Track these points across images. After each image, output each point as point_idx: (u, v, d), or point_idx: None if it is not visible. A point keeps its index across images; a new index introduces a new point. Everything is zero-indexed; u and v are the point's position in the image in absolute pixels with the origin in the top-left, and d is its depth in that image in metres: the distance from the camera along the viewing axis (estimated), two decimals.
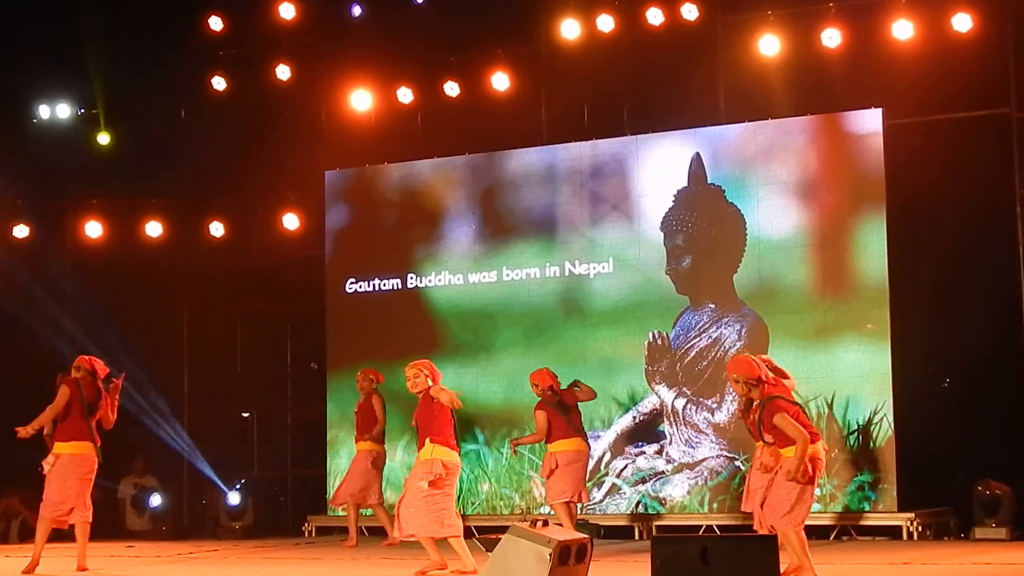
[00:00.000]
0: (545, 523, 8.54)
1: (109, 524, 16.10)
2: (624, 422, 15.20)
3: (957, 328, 14.09)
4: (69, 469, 11.87)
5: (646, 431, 15.10)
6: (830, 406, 14.27)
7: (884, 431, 14.06)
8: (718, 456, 14.64)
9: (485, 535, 9.43)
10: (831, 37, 14.54)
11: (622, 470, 15.10)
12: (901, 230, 14.31)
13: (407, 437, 15.15)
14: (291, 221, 17.32)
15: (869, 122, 14.46)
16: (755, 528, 9.96)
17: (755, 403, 9.97)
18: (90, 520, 11.96)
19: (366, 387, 14.54)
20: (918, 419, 14.16)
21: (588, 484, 14.10)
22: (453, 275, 16.28)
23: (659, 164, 15.38)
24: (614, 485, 15.12)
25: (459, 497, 15.68)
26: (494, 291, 16.08)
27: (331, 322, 16.80)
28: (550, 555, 8.23)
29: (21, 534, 16.31)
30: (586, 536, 8.85)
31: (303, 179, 17.13)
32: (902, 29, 14.27)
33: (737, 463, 14.42)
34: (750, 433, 10.12)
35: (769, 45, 14.81)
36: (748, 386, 9.93)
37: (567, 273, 15.72)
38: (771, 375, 10.04)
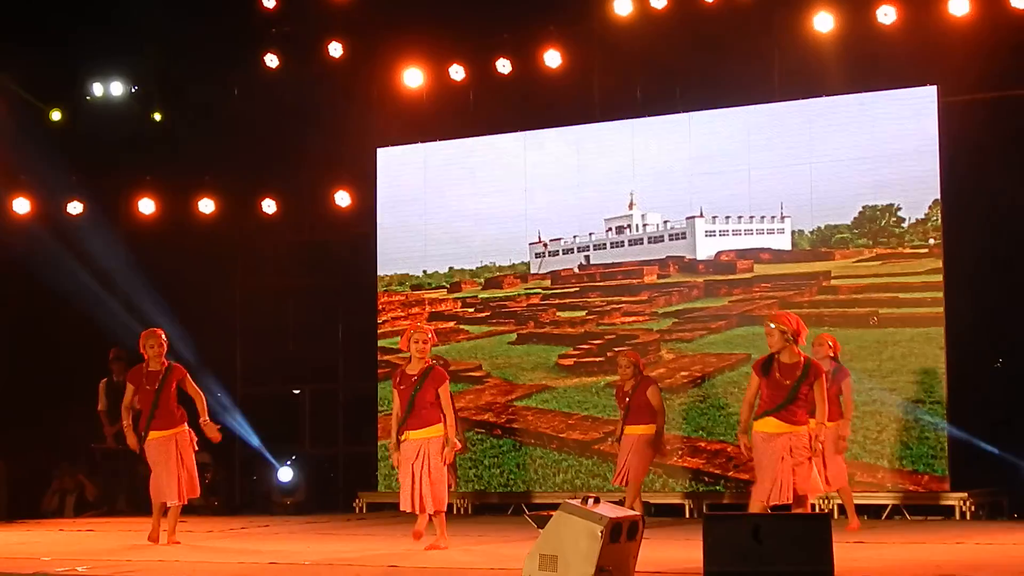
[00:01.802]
0: (597, 500, 8.53)
1: None
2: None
3: (1011, 307, 13.98)
4: None
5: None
6: (883, 385, 14.23)
7: (937, 411, 13.99)
8: None
9: (536, 512, 9.44)
10: (886, 14, 14.41)
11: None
12: (956, 208, 14.21)
13: None
14: (343, 198, 17.35)
15: (924, 99, 14.36)
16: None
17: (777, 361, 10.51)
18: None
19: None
20: (971, 399, 14.08)
21: None
22: None
23: (712, 141, 15.35)
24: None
25: None
26: None
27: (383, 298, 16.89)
28: (601, 532, 8.22)
29: (77, 508, 16.46)
30: (637, 514, 8.83)
31: (355, 156, 17.16)
32: (958, 5, 14.12)
33: None
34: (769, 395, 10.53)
35: (824, 22, 14.69)
36: (784, 340, 10.44)
37: None
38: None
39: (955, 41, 14.18)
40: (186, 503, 12.35)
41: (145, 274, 17.70)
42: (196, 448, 12.39)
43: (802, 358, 10.60)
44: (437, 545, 11.15)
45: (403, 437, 11.15)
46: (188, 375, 12.39)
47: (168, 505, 12.19)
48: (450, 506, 15.12)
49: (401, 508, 11.25)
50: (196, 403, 12.29)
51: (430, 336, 11.29)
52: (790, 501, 10.49)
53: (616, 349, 15.51)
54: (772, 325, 10.63)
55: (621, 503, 9.16)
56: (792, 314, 10.98)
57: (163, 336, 12.43)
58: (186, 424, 12.28)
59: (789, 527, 8.31)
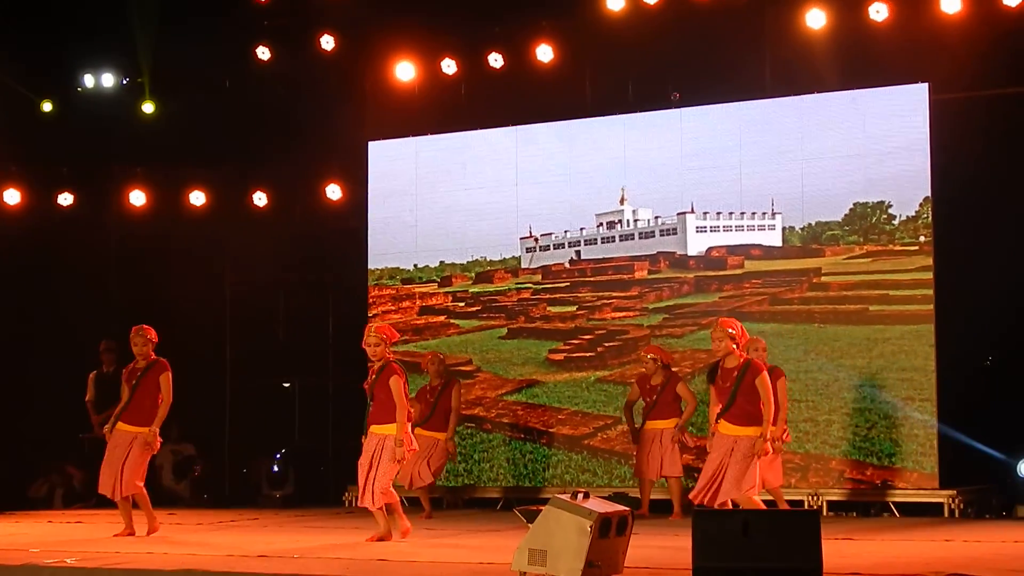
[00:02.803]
0: (586, 495, 8.53)
1: (149, 490, 16.26)
2: None
3: (1001, 305, 13.98)
4: None
5: None
6: (873, 382, 14.25)
7: (926, 408, 14.00)
8: None
9: (525, 506, 9.44)
10: (878, 11, 14.42)
11: None
12: (947, 205, 14.23)
13: None
14: (334, 191, 17.34)
15: (915, 97, 14.37)
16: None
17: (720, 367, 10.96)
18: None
19: (439, 371, 14.58)
20: (960, 396, 14.09)
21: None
22: None
23: (703, 137, 15.36)
24: None
25: None
26: None
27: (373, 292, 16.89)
28: (591, 527, 8.23)
29: (66, 500, 16.43)
30: (627, 509, 8.83)
31: (346, 150, 17.15)
32: (950, 3, 14.10)
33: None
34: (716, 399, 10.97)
35: (815, 18, 14.68)
36: (732, 345, 10.85)
37: None
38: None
39: (947, 39, 14.19)
40: (115, 499, 12.28)
41: (135, 266, 17.69)
42: (155, 451, 12.33)
43: (742, 360, 10.94)
44: (381, 536, 11.32)
45: (370, 429, 11.41)
46: (168, 373, 12.31)
47: (111, 498, 12.27)
48: (439, 500, 15.20)
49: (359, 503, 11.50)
50: (160, 406, 12.24)
51: (376, 337, 11.37)
52: (716, 505, 10.75)
53: (606, 344, 15.56)
54: (719, 331, 10.94)
55: (610, 499, 9.15)
56: (735, 320, 11.22)
57: (149, 333, 12.41)
58: (149, 428, 12.17)
59: (778, 523, 8.32)
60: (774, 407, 10.95)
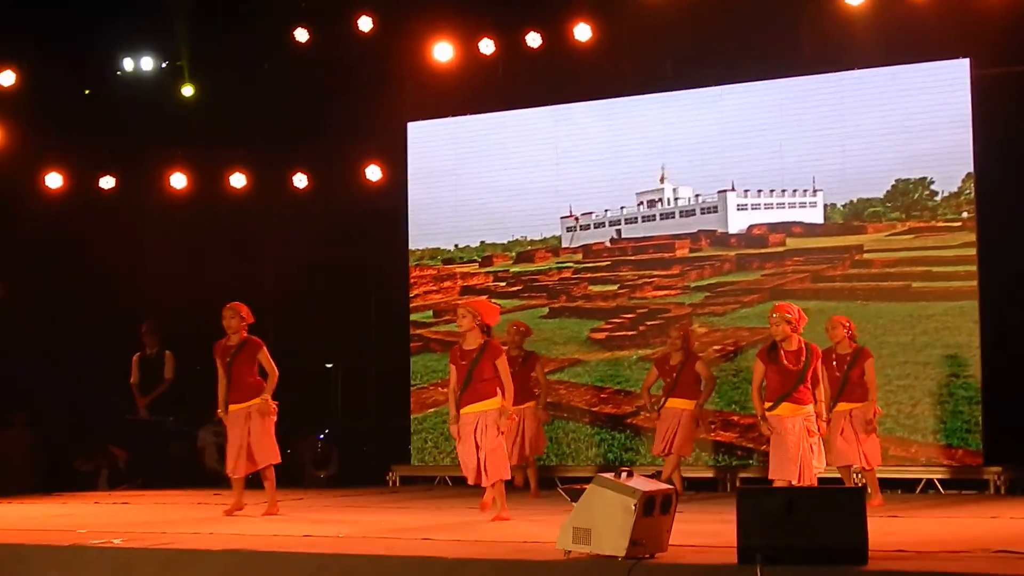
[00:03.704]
0: (630, 474, 8.54)
1: (193, 471, 16.39)
2: None
3: None
4: None
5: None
6: (917, 359, 14.20)
7: (971, 385, 13.94)
8: None
9: (569, 485, 9.45)
10: None
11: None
12: (989, 181, 14.15)
13: None
14: (374, 172, 17.36)
15: (957, 72, 14.29)
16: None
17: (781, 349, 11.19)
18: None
19: (518, 342, 14.39)
20: (1005, 372, 14.02)
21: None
22: None
23: (743, 115, 15.31)
24: None
25: None
26: None
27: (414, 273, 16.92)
28: (635, 505, 8.23)
29: (111, 481, 16.53)
30: (671, 487, 8.83)
31: (385, 130, 17.15)
32: None
33: None
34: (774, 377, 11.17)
35: None
36: (791, 329, 11.16)
37: None
38: None
39: (988, 14, 14.08)
40: (240, 476, 12.59)
41: (177, 248, 17.76)
42: (274, 416, 12.50)
43: (803, 343, 11.26)
44: (501, 516, 11.37)
45: (461, 411, 11.41)
46: (264, 348, 12.64)
47: (232, 477, 12.60)
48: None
49: (469, 482, 11.56)
50: (268, 378, 12.51)
51: (470, 312, 11.40)
52: (815, 483, 11.07)
53: (648, 323, 15.56)
54: (776, 315, 11.24)
55: (656, 476, 9.17)
56: (792, 305, 11.48)
57: (242, 310, 12.66)
58: (261, 396, 12.44)
59: (823, 501, 8.30)
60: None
